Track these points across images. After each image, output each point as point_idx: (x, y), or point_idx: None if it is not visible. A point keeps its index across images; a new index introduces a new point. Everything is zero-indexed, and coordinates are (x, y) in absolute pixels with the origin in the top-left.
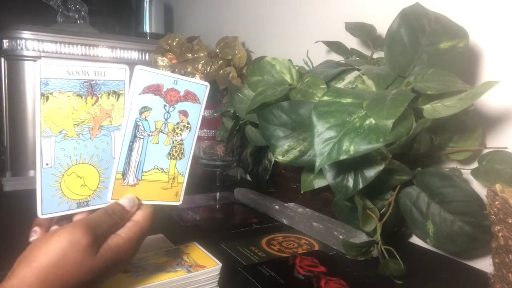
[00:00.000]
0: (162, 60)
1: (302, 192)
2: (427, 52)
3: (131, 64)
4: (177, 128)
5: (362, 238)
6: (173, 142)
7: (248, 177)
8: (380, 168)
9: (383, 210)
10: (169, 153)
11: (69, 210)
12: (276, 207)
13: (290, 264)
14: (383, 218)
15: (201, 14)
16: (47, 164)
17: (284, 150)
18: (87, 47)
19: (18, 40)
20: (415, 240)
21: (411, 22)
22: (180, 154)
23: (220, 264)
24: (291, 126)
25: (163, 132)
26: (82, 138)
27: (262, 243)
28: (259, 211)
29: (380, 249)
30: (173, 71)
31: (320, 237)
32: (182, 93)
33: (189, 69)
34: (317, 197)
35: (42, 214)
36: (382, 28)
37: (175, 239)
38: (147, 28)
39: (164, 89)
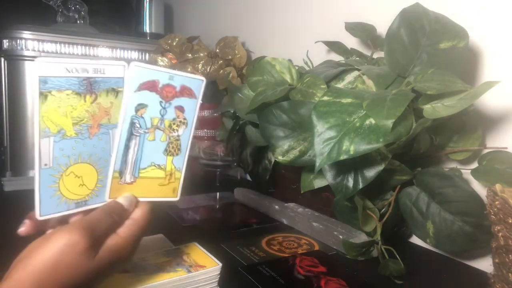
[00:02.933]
0: (162, 60)
1: (302, 192)
2: (427, 52)
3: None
4: (174, 124)
5: (362, 238)
6: (169, 138)
7: (248, 177)
8: (380, 168)
9: (383, 210)
10: (166, 149)
11: (67, 210)
12: (276, 207)
13: (290, 264)
14: (383, 218)
15: (201, 14)
16: (45, 165)
17: (284, 150)
18: (87, 47)
19: (18, 40)
20: (415, 240)
21: (411, 22)
22: (177, 150)
23: (220, 264)
24: (291, 126)
25: (159, 129)
26: (81, 137)
27: (262, 243)
28: (259, 211)
29: (380, 249)
30: None
31: (320, 237)
32: (178, 89)
33: (189, 69)
34: (317, 197)
35: (40, 216)
36: (382, 28)
37: (175, 239)
38: (147, 28)
39: (160, 85)
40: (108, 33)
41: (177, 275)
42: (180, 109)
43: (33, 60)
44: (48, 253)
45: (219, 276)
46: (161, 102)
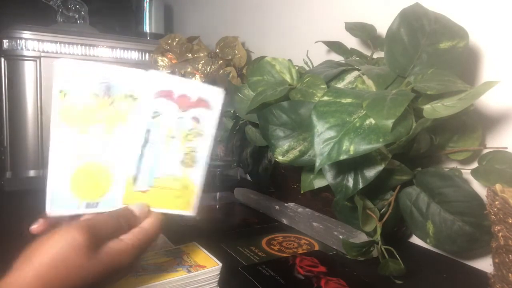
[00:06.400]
0: (162, 60)
1: (302, 192)
2: (427, 52)
3: (131, 64)
4: (190, 134)
5: (362, 238)
6: (185, 149)
7: (248, 177)
8: (380, 168)
9: (383, 210)
10: (182, 161)
11: (78, 209)
12: (276, 207)
13: (290, 264)
14: (383, 218)
15: (201, 14)
16: (59, 162)
17: (284, 150)
18: (87, 47)
19: (18, 40)
20: (415, 240)
21: (411, 22)
22: (192, 162)
23: (220, 264)
24: (291, 126)
25: (175, 138)
26: (95, 137)
27: (262, 243)
28: (259, 211)
29: (380, 249)
30: (173, 71)
31: (320, 237)
32: (194, 99)
33: (189, 69)
34: (317, 197)
35: (50, 212)
36: (382, 28)
37: (175, 239)
38: (147, 28)
39: (176, 95)
40: (108, 33)
41: (177, 275)
42: (196, 120)
43: (33, 60)
44: (51, 249)
45: (219, 276)
46: (177, 111)
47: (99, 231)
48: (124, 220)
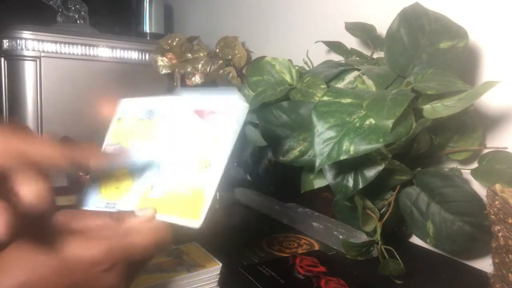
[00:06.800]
0: (162, 60)
1: (302, 192)
2: (427, 52)
3: (130, 64)
4: (208, 140)
5: (362, 238)
6: (201, 155)
7: (248, 177)
8: (380, 168)
9: (383, 210)
10: (196, 166)
11: (98, 207)
12: (276, 207)
13: (290, 264)
14: (383, 218)
15: (201, 14)
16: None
17: (284, 150)
18: (87, 47)
19: (18, 40)
20: (415, 240)
21: (411, 22)
22: (207, 165)
23: (220, 264)
24: (291, 126)
25: (192, 145)
26: (131, 150)
27: (262, 243)
28: (259, 211)
29: (380, 249)
30: (173, 71)
31: (320, 237)
32: (215, 109)
33: (189, 69)
34: (317, 197)
35: (82, 206)
36: (382, 28)
37: (175, 239)
38: (147, 28)
39: (199, 108)
40: (108, 33)
41: (177, 275)
42: (215, 127)
43: (33, 60)
44: None
45: (219, 276)
46: (197, 119)
47: (76, 220)
48: (114, 219)
